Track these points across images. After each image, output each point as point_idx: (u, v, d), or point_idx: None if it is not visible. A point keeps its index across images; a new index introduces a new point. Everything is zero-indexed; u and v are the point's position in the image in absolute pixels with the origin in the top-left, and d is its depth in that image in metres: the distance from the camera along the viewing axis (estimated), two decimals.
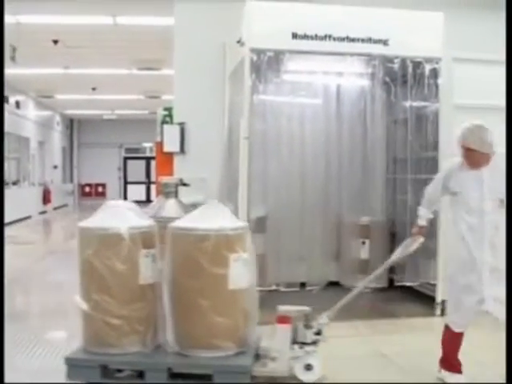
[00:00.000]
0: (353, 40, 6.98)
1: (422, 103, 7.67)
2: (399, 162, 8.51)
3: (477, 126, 4.93)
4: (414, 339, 6.35)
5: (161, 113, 9.27)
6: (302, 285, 8.20)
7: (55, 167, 27.84)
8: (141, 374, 4.71)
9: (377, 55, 7.17)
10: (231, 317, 4.76)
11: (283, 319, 4.87)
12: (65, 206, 28.70)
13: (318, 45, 6.91)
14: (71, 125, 31.87)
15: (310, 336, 4.90)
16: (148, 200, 27.30)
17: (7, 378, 4.30)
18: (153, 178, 26.65)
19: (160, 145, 8.83)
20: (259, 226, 7.56)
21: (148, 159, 31.06)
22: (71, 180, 31.75)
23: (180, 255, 4.80)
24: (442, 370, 5.03)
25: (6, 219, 14.55)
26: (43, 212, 23.94)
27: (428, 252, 7.50)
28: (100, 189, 32.64)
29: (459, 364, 4.97)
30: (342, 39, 6.95)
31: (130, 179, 33.22)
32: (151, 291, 4.84)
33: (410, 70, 7.30)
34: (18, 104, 20.46)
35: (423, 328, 6.82)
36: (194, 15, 8.54)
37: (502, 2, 8.74)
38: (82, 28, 12.22)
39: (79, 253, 4.87)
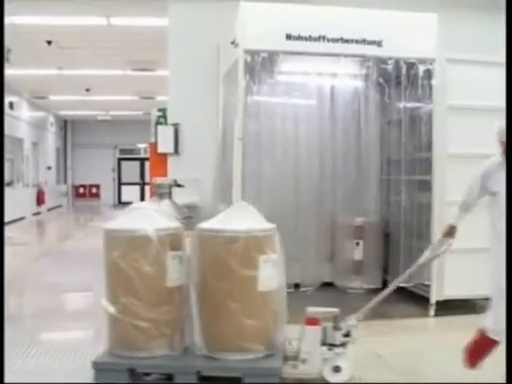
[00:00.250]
0: (347, 41, 6.98)
1: (416, 104, 7.68)
2: (393, 163, 8.53)
3: None
4: (409, 340, 6.36)
5: (155, 114, 9.28)
6: (296, 286, 8.20)
7: (49, 168, 27.80)
8: (169, 378, 4.65)
9: (371, 56, 7.17)
10: (261, 319, 4.71)
11: (312, 321, 4.81)
12: (59, 206, 28.65)
13: (311, 46, 6.91)
14: (65, 126, 31.83)
15: (338, 338, 4.85)
16: (142, 201, 27.23)
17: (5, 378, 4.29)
18: (147, 179, 26.65)
19: (154, 146, 8.83)
20: None
21: (142, 160, 31.01)
22: (65, 181, 31.70)
23: (208, 257, 4.76)
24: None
25: None
26: (37, 213, 23.89)
27: (422, 253, 7.52)
28: (94, 190, 32.62)
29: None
30: (336, 40, 6.95)
31: (124, 180, 33.18)
32: (178, 294, 4.79)
33: (403, 71, 7.31)
34: (11, 105, 20.42)
35: (417, 329, 6.83)
36: (188, 16, 8.55)
37: (495, 3, 8.79)
38: (76, 29, 12.22)
39: (105, 255, 4.82)
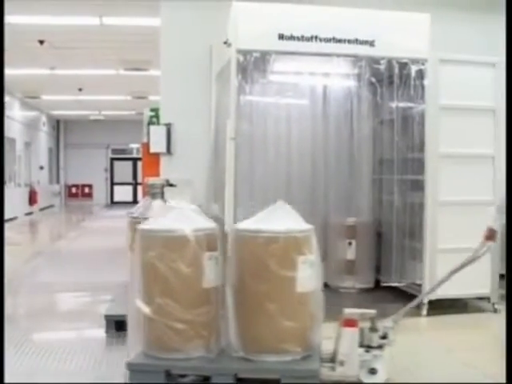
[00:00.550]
0: (339, 41, 6.98)
1: (409, 104, 7.68)
2: (385, 163, 8.53)
3: None
4: (401, 339, 6.33)
5: (147, 113, 9.27)
6: None
7: (41, 168, 27.77)
8: (205, 380, 4.62)
9: (363, 56, 7.17)
10: (298, 320, 4.66)
11: (350, 322, 4.77)
12: (51, 206, 28.62)
13: (304, 46, 6.90)
14: (58, 125, 31.80)
15: (375, 339, 4.82)
16: (135, 201, 27.22)
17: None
18: (140, 179, 26.66)
19: (146, 146, 8.82)
20: None
21: (135, 160, 31.01)
22: (58, 181, 31.66)
23: (246, 258, 4.72)
24: None
25: None
26: (29, 213, 23.86)
27: (414, 252, 7.54)
28: (86, 190, 32.62)
29: None
30: (328, 40, 6.95)
31: (116, 180, 33.20)
32: (215, 295, 4.74)
33: (396, 70, 7.31)
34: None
35: (410, 328, 6.81)
36: (180, 16, 8.53)
37: (488, 4, 8.81)
38: (69, 28, 12.20)
39: (140, 255, 4.75)
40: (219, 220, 5.70)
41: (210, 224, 4.90)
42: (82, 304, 8.28)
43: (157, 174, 8.35)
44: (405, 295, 7.73)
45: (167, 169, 8.45)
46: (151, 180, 7.36)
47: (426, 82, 7.20)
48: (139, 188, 26.14)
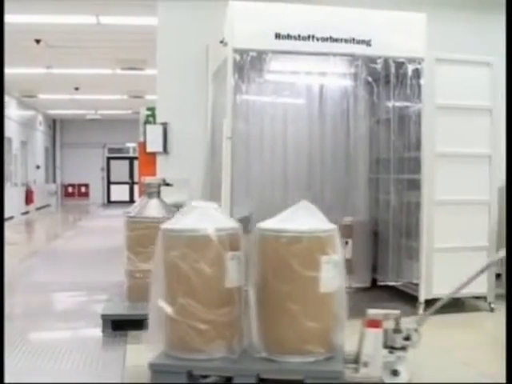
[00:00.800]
0: (336, 40, 6.98)
1: (405, 103, 7.68)
2: (382, 162, 8.53)
3: None
4: None
5: (144, 113, 9.26)
6: None
7: (38, 167, 27.75)
8: (228, 380, 4.59)
9: (360, 55, 7.17)
10: (322, 321, 4.63)
11: (373, 323, 4.71)
12: (48, 206, 28.59)
13: (300, 45, 6.90)
14: (54, 125, 31.78)
15: (399, 341, 4.75)
16: (131, 200, 27.23)
17: None
18: (136, 179, 26.67)
19: (143, 145, 8.82)
20: (243, 226, 7.55)
21: (131, 159, 31.00)
22: (54, 180, 31.63)
23: (269, 257, 4.69)
24: None
25: None
26: (26, 212, 23.84)
27: (411, 252, 7.54)
28: (83, 189, 32.59)
29: None
30: (325, 39, 6.95)
31: (113, 179, 33.18)
32: (237, 295, 4.72)
33: (392, 70, 7.31)
34: None
35: None
36: (177, 15, 8.53)
37: (485, 4, 8.83)
38: (65, 27, 12.19)
39: (163, 255, 4.73)
40: None
41: (232, 223, 4.89)
42: (79, 303, 8.27)
43: (153, 174, 8.35)
44: (401, 294, 7.74)
45: (164, 168, 8.46)
46: (148, 179, 7.38)
47: (422, 82, 7.20)
48: (136, 187, 26.17)
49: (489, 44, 8.23)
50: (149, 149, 8.62)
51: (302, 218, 4.78)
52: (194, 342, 4.59)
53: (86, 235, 17.82)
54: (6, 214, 20.12)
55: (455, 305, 7.20)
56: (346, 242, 8.44)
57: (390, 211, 7.84)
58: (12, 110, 23.15)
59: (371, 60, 7.21)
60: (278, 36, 6.86)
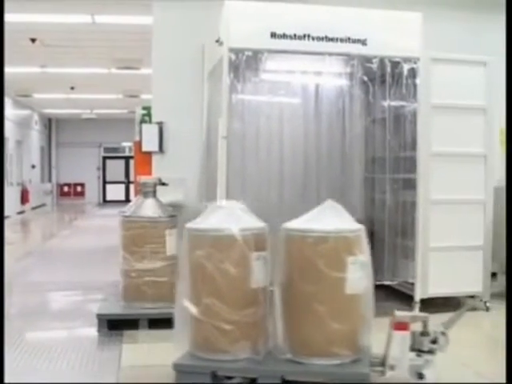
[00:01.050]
0: (331, 40, 6.98)
1: (401, 103, 7.68)
2: (378, 162, 8.53)
3: None
4: None
5: (139, 112, 9.25)
6: None
7: (33, 167, 27.72)
8: (252, 381, 4.55)
9: (355, 55, 7.17)
10: (348, 323, 4.59)
11: (401, 325, 4.62)
12: (43, 205, 28.56)
13: (296, 44, 6.90)
14: (49, 124, 31.74)
15: (426, 344, 4.66)
16: (127, 200, 27.21)
17: None
18: (132, 178, 26.65)
19: (139, 144, 8.80)
20: None
21: (127, 159, 30.99)
22: (49, 180, 31.60)
23: (295, 258, 4.66)
24: None
25: None
26: (21, 212, 23.81)
27: (406, 251, 7.54)
28: (79, 188, 32.56)
29: None
30: (320, 39, 6.95)
31: (109, 179, 33.15)
32: (262, 295, 4.69)
33: (388, 69, 7.31)
34: None
35: None
36: (172, 14, 8.53)
37: (481, 3, 8.83)
38: (61, 27, 12.17)
39: (188, 255, 4.71)
40: None
41: (258, 223, 4.84)
42: (74, 303, 8.27)
43: (149, 173, 8.34)
44: (397, 294, 7.75)
45: (159, 167, 8.45)
46: (143, 178, 7.37)
47: (417, 81, 7.20)
48: (131, 187, 26.15)
49: (485, 43, 8.25)
50: (144, 148, 8.61)
51: (329, 218, 4.73)
52: (219, 343, 4.58)
53: (82, 235, 17.81)
54: None
55: (451, 304, 7.23)
56: None
57: (386, 210, 7.84)
58: (7, 110, 23.10)
59: (367, 59, 7.21)
60: (273, 35, 6.86)
